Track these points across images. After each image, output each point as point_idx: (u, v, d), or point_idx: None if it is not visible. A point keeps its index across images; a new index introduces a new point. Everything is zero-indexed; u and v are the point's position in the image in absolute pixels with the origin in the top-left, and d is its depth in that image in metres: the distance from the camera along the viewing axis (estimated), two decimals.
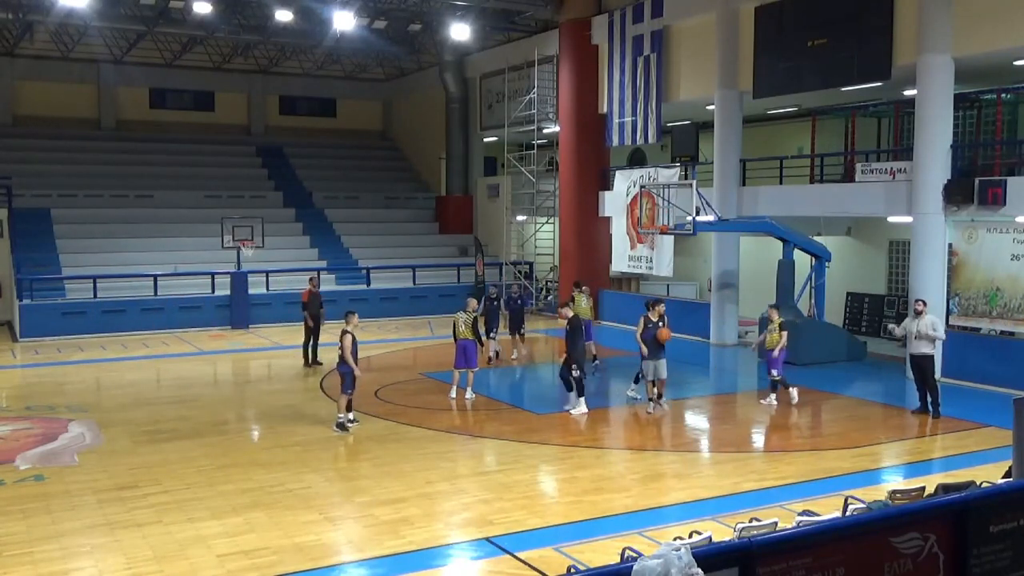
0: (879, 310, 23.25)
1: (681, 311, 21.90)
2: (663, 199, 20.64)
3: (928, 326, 14.13)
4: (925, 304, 14.49)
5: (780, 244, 19.82)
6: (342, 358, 13.36)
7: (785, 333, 15.12)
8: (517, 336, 19.53)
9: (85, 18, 26.39)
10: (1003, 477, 7.71)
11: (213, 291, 25.30)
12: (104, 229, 27.82)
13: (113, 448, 12.58)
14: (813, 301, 19.82)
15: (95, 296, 24.17)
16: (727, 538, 6.37)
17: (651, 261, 23.50)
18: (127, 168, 31.20)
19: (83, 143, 32.16)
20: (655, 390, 14.49)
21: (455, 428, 13.90)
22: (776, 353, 15.03)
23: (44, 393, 16.69)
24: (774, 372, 15.13)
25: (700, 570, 3.71)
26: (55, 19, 26.59)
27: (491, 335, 18.68)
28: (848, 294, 23.70)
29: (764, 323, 15.39)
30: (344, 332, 13.40)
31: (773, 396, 15.13)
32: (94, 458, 12.05)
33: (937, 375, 16.79)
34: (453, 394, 15.57)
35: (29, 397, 16.45)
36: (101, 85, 33.63)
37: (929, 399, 14.24)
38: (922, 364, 14.25)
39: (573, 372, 14.31)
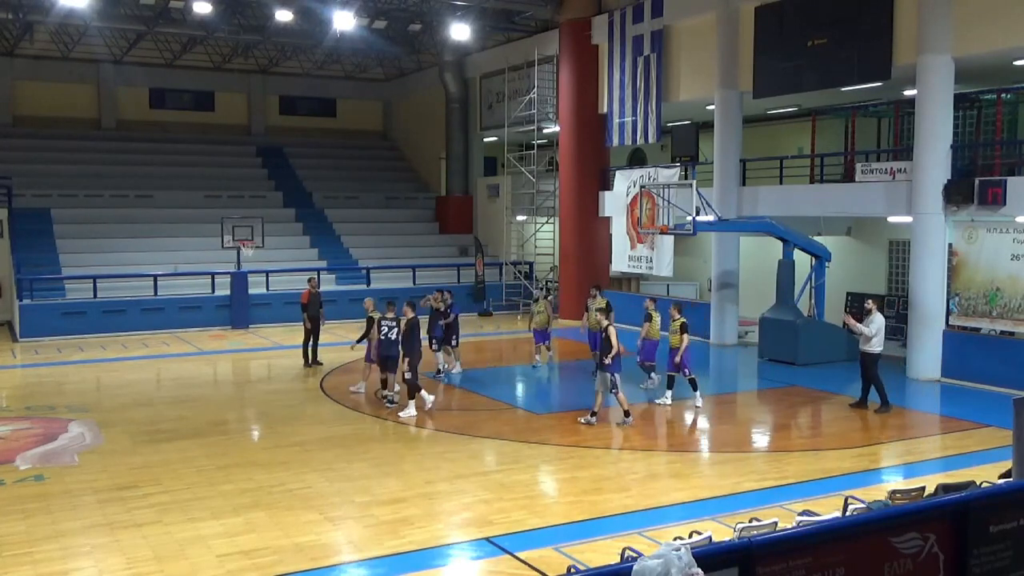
0: (879, 310, 23.16)
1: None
2: (663, 199, 20.62)
3: (867, 322, 14.64)
4: (874, 303, 15.13)
5: (780, 244, 19.82)
6: (391, 342, 14.81)
7: (687, 336, 15.05)
8: (448, 347, 17.88)
9: (85, 18, 26.38)
10: (1000, 477, 7.72)
11: (213, 291, 25.30)
12: (104, 229, 27.80)
13: (113, 448, 12.58)
14: (813, 301, 19.83)
15: (95, 296, 24.16)
16: (727, 538, 6.38)
17: (651, 261, 23.49)
18: (127, 168, 31.18)
19: (83, 143, 32.12)
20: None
21: (455, 428, 13.89)
22: (681, 352, 14.97)
23: (44, 393, 16.68)
24: (686, 370, 15.02)
25: (700, 570, 3.71)
26: (55, 19, 26.57)
27: (432, 346, 17.23)
28: (848, 294, 23.69)
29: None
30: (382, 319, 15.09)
31: (669, 394, 15.10)
32: (94, 458, 12.05)
33: (936, 375, 16.92)
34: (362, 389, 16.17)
35: (29, 397, 16.45)
36: (101, 85, 33.62)
37: (875, 392, 14.68)
38: (863, 360, 14.79)
39: (406, 375, 14.37)
